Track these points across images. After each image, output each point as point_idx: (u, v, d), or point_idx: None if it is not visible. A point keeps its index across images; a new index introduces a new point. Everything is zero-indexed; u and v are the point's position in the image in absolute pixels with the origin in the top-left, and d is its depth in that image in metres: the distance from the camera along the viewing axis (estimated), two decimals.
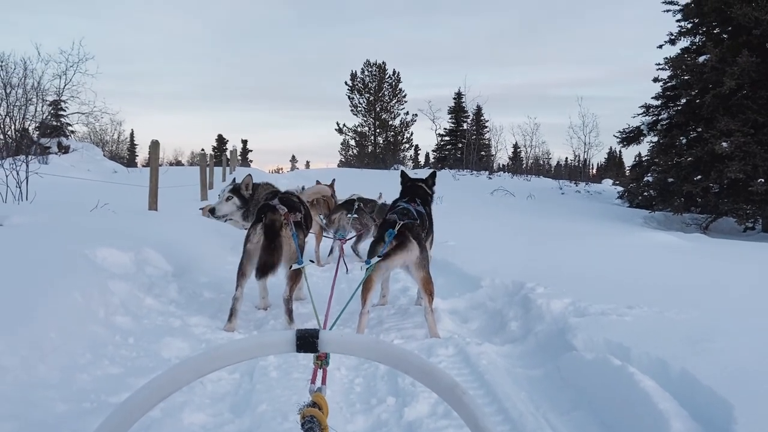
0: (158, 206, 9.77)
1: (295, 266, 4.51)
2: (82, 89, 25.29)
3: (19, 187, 9.56)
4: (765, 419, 2.36)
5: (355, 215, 7.50)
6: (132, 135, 60.29)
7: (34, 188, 9.72)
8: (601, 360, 3.14)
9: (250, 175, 5.55)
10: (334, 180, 8.51)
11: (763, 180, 13.62)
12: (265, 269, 4.45)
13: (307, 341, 1.01)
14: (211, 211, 5.49)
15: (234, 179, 5.67)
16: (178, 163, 57.88)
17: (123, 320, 4.00)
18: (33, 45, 36.83)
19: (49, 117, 25.43)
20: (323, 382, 1.35)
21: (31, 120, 22.86)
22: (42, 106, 23.40)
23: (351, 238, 7.65)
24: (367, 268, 4.24)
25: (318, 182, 8.64)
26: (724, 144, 13.75)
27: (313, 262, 7.36)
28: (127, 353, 3.53)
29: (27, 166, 9.91)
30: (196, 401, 2.91)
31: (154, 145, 10.28)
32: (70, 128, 28.35)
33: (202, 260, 6.31)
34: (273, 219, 4.57)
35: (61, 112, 27.11)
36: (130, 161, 52.54)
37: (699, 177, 14.90)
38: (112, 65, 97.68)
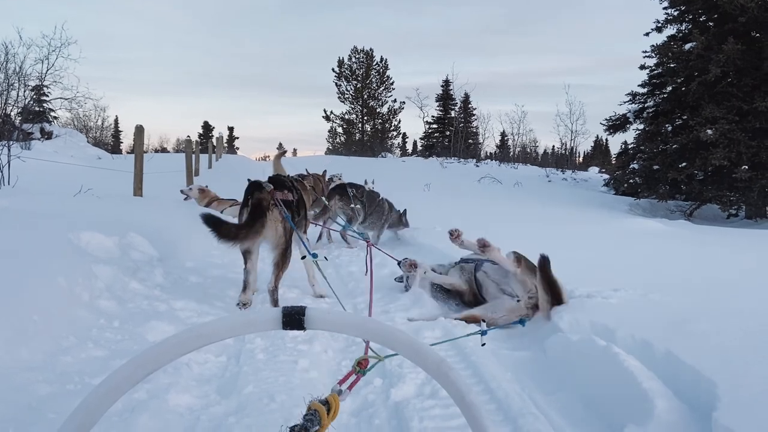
0: (143, 192, 9.68)
1: (308, 257, 4.48)
2: (64, 74, 24.99)
3: (0, 172, 9.41)
4: (748, 398, 2.39)
5: (355, 195, 7.51)
6: (116, 121, 59.62)
7: (16, 173, 9.59)
8: (586, 341, 3.16)
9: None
10: (325, 171, 8.44)
11: (746, 167, 13.76)
12: (225, 236, 4.13)
13: (293, 318, 1.00)
14: None
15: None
16: (164, 150, 57.38)
17: (107, 304, 3.96)
18: (14, 29, 36.06)
19: (32, 102, 25.03)
20: (350, 388, 1.33)
21: (13, 105, 22.47)
22: (24, 91, 23.02)
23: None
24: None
25: (307, 171, 8.59)
26: (709, 131, 13.87)
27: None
28: (112, 336, 3.49)
29: (9, 150, 9.74)
30: (182, 383, 2.89)
31: (139, 131, 10.16)
32: (52, 114, 27.98)
33: (188, 245, 6.27)
34: (260, 198, 4.38)
35: (44, 98, 26.70)
36: (114, 148, 51.99)
37: (684, 164, 15.02)
38: (95, 50, 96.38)
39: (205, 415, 2.66)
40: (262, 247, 4.60)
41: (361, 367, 1.36)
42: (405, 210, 8.36)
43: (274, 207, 4.40)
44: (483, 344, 3.15)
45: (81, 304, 3.74)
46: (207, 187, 9.68)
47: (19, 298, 3.31)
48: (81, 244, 4.70)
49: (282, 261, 4.47)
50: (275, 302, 4.45)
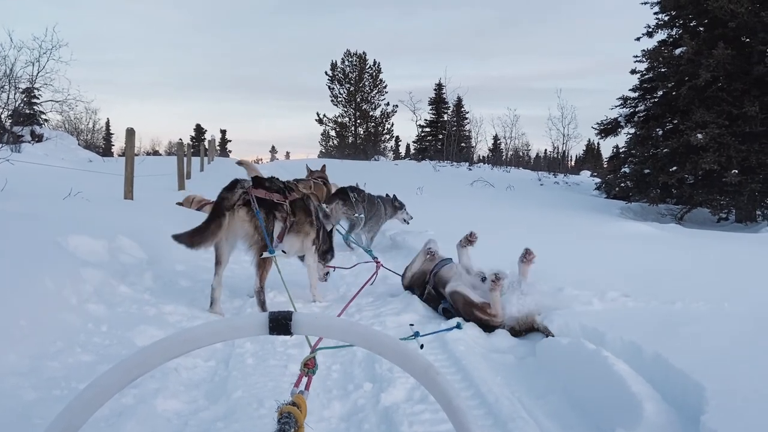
0: (134, 195, 9.63)
1: (265, 254, 4.32)
2: (55, 77, 24.86)
3: None
4: (736, 402, 2.40)
5: (357, 200, 7.50)
6: (108, 124, 59.43)
7: (5, 176, 9.50)
8: (575, 344, 3.16)
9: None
10: (324, 166, 8.47)
11: (736, 171, 13.84)
12: (184, 240, 4.38)
13: (279, 323, 0.99)
14: None
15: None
16: (156, 153, 57.19)
17: (96, 308, 3.93)
18: (5, 31, 35.93)
19: (22, 105, 24.88)
20: (307, 388, 1.35)
21: (4, 108, 22.35)
22: (14, 94, 22.91)
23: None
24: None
25: (308, 168, 8.61)
26: (699, 135, 13.93)
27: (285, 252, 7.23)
28: (100, 341, 3.47)
29: None
30: (170, 388, 2.87)
31: (130, 133, 10.11)
32: (43, 116, 27.84)
33: (178, 249, 6.19)
34: (222, 197, 4.38)
35: (35, 100, 26.58)
36: (105, 151, 51.76)
37: (674, 168, 15.09)
38: (86, 52, 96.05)
39: (193, 420, 2.64)
40: (233, 253, 4.63)
41: (308, 367, 1.40)
42: (394, 195, 8.39)
43: (242, 206, 4.34)
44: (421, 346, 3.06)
45: (69, 308, 3.71)
46: (202, 197, 9.84)
47: (6, 302, 3.27)
48: (69, 247, 4.67)
49: (263, 263, 4.41)
50: (262, 303, 4.43)
